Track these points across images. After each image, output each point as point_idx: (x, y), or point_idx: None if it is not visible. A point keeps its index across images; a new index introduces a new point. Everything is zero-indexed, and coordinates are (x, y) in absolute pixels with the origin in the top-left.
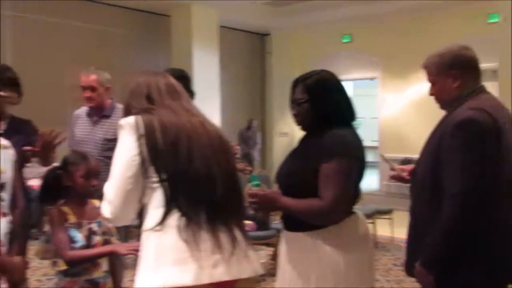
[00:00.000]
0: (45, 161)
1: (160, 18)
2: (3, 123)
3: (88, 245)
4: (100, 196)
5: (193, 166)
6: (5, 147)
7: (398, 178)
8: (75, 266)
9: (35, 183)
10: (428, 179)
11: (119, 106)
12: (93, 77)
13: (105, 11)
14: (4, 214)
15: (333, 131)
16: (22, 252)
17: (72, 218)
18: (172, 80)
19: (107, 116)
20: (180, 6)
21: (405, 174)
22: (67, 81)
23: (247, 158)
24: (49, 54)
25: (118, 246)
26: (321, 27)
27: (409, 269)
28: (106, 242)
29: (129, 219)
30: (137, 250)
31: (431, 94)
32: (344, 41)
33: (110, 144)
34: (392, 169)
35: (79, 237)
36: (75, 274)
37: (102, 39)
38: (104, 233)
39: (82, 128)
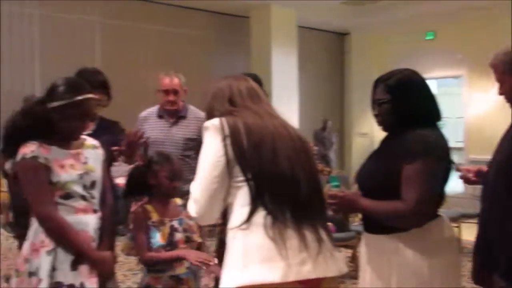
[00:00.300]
0: (129, 160)
1: (239, 19)
2: (93, 124)
3: (170, 242)
4: (181, 195)
5: (277, 166)
6: (95, 147)
7: (464, 179)
8: (153, 266)
9: (121, 181)
10: (501, 181)
11: (191, 107)
12: (176, 80)
13: (186, 14)
14: (95, 211)
15: (416, 131)
16: (111, 247)
17: (155, 216)
18: (253, 84)
19: (184, 117)
20: (259, 7)
21: (470, 175)
22: (150, 83)
23: (324, 159)
24: (133, 58)
25: (189, 253)
26: (402, 25)
27: (478, 278)
28: (188, 239)
29: (214, 218)
30: (204, 263)
31: (500, 93)
32: (427, 38)
33: (190, 143)
34: (457, 169)
35: (157, 237)
36: (159, 270)
37: (182, 42)
38: (185, 230)
39: (157, 129)
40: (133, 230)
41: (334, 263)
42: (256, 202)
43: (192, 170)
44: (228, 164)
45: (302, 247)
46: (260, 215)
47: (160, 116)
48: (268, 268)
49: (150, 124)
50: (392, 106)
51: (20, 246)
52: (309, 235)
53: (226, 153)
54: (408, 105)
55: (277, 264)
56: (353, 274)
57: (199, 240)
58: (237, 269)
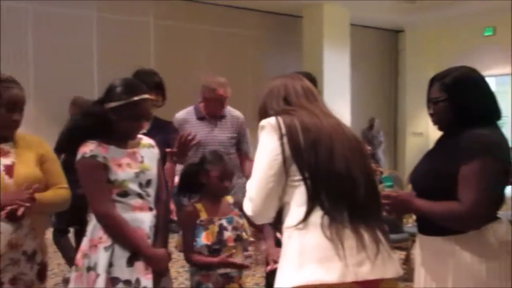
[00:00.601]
0: (180, 160)
1: (291, 19)
2: (148, 124)
3: (219, 241)
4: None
5: (334, 165)
6: (151, 146)
7: None
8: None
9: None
10: None
11: (227, 106)
12: (229, 89)
13: (238, 15)
14: (150, 209)
15: (474, 130)
16: (165, 244)
17: (203, 215)
18: (308, 83)
19: (224, 116)
20: (313, 6)
21: None
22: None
23: (373, 158)
24: (187, 58)
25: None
26: (460, 21)
27: None
28: (237, 238)
29: (270, 217)
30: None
31: None
32: (486, 34)
33: (233, 141)
34: None
35: (202, 237)
36: (210, 268)
37: (235, 41)
38: (235, 229)
39: (200, 131)
40: (182, 229)
41: (392, 264)
42: (313, 202)
43: (235, 167)
44: (285, 163)
45: (359, 248)
46: (317, 215)
47: (200, 118)
48: (325, 268)
49: (192, 126)
50: (448, 105)
51: (53, 239)
52: (366, 236)
53: (283, 152)
54: (465, 103)
55: (334, 264)
56: (406, 276)
57: (251, 239)
58: (293, 269)
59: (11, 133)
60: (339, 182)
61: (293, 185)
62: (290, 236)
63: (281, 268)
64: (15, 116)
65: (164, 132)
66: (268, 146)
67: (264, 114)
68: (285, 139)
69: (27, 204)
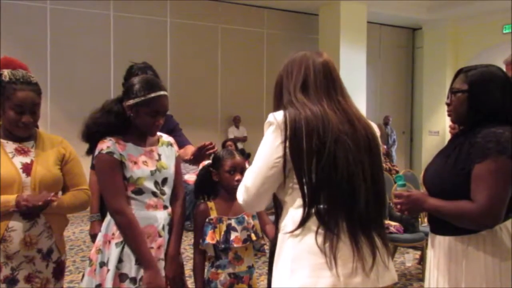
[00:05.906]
0: (196, 164)
1: (308, 17)
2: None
3: (226, 240)
4: None
5: (335, 177)
6: (170, 144)
7: None
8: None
9: (190, 178)
10: None
11: None
12: None
13: (254, 13)
14: (165, 207)
15: (489, 128)
16: (178, 242)
17: (213, 213)
18: (329, 60)
19: None
20: (329, 4)
21: None
22: (219, 80)
23: (387, 156)
24: (203, 56)
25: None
26: (479, 18)
27: None
28: (247, 238)
29: (261, 208)
30: None
31: None
32: (506, 32)
33: None
34: None
35: (208, 235)
36: (219, 266)
37: (251, 40)
38: (245, 229)
39: None
40: (194, 227)
41: (387, 273)
42: (310, 209)
43: None
44: (285, 167)
45: (355, 259)
46: (313, 222)
47: None
48: (316, 276)
49: None
50: (466, 98)
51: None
52: (365, 247)
53: (284, 155)
54: (484, 99)
55: (325, 272)
56: (420, 276)
57: (262, 241)
58: (285, 274)
59: (24, 134)
60: (338, 193)
61: (293, 187)
62: (285, 240)
63: (275, 271)
64: (24, 118)
65: (167, 126)
66: (271, 147)
67: (279, 92)
68: (288, 143)
69: (40, 203)
